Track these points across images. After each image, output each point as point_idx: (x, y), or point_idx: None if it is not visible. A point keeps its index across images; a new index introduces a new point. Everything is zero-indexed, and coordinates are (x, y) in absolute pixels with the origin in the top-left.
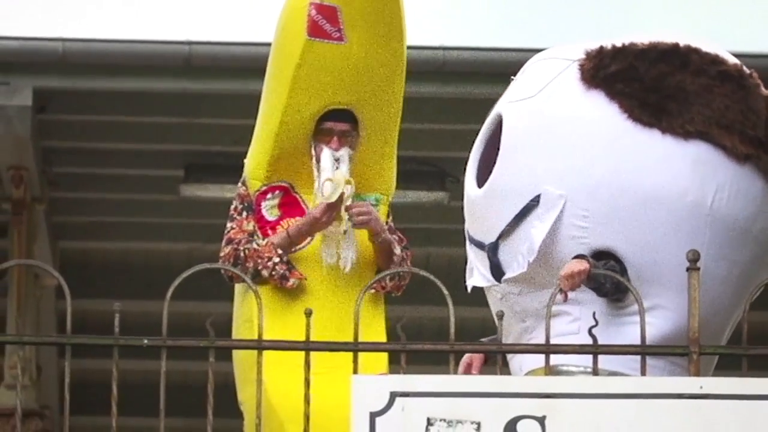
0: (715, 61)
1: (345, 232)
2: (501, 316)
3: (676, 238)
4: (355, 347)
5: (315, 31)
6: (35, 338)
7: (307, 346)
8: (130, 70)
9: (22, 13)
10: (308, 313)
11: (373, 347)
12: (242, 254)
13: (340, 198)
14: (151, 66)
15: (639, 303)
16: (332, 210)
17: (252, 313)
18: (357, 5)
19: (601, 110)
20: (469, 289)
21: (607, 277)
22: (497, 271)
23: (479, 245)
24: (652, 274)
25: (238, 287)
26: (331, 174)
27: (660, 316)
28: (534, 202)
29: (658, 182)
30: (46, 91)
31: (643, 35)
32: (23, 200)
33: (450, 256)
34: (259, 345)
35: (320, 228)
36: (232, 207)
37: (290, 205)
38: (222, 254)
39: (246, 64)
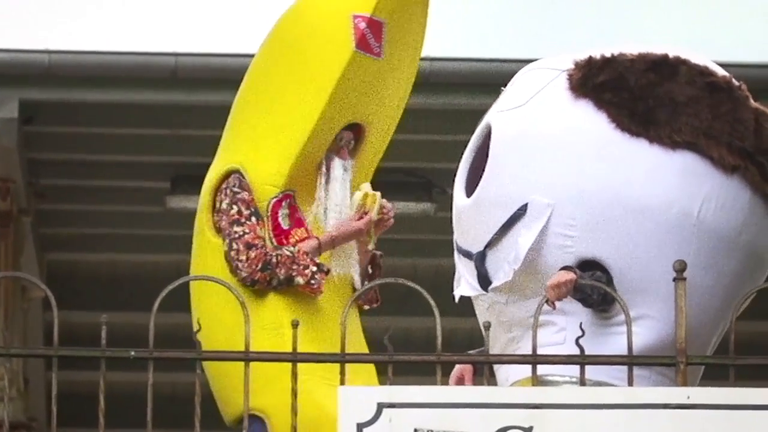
0: (704, 72)
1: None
2: (488, 326)
3: (663, 248)
4: (342, 358)
5: (362, 44)
6: (22, 350)
7: (295, 358)
8: (116, 81)
9: (9, 25)
10: (295, 325)
11: (360, 359)
12: (274, 260)
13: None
14: (137, 78)
15: (626, 313)
16: (371, 225)
17: (279, 320)
18: (397, 23)
19: (589, 120)
20: (456, 299)
21: (594, 288)
22: (484, 281)
23: (467, 255)
24: (638, 283)
25: (250, 292)
26: (345, 186)
27: (646, 326)
28: (521, 211)
29: (646, 192)
30: (32, 103)
31: (632, 46)
32: (10, 212)
33: (437, 266)
34: (247, 357)
35: (352, 239)
36: (234, 211)
37: (293, 215)
38: (244, 258)
39: (233, 76)
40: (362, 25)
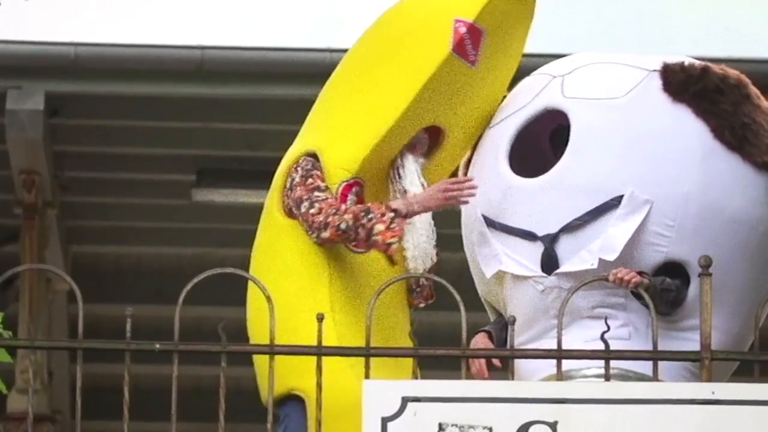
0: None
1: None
2: (513, 321)
3: (742, 262)
4: (366, 352)
5: (460, 48)
6: (47, 343)
7: (319, 351)
8: (142, 74)
9: (35, 17)
10: (320, 318)
11: (385, 353)
12: (349, 218)
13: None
14: (163, 70)
15: (652, 316)
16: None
17: (330, 307)
18: (498, 35)
19: (689, 125)
20: (488, 276)
21: (663, 299)
22: (550, 263)
23: (525, 235)
24: (714, 293)
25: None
26: (416, 183)
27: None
28: (615, 202)
29: (741, 206)
30: (58, 96)
31: (716, 65)
32: (35, 204)
33: (461, 260)
34: (272, 350)
35: (430, 207)
36: (311, 181)
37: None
38: (321, 219)
39: (258, 69)
40: (462, 29)
